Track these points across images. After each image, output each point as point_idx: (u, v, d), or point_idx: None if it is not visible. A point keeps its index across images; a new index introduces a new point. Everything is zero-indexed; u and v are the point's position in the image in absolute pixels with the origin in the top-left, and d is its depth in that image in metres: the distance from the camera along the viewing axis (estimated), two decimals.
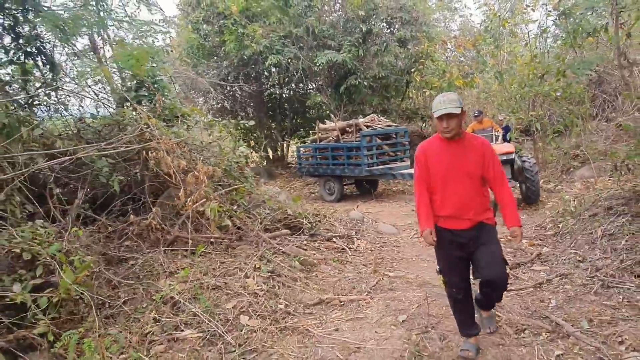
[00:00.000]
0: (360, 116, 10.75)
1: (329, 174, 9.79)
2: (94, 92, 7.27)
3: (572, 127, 10.38)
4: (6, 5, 5.46)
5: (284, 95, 16.66)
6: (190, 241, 5.50)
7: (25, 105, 5.79)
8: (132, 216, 5.44)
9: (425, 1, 14.64)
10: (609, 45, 10.85)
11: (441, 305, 3.93)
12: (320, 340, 3.58)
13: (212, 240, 5.48)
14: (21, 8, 5.44)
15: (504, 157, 7.37)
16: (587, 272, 4.05)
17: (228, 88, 14.73)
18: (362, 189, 10.58)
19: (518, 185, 7.91)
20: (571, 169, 9.33)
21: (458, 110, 2.75)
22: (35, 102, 6.07)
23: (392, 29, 13.21)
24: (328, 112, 17.35)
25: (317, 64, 11.98)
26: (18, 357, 2.99)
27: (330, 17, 13.78)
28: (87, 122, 6.46)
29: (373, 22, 12.77)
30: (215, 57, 15.19)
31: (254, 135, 16.31)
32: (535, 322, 3.37)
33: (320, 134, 9.72)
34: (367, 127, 8.96)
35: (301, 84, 15.93)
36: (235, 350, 3.43)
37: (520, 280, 4.33)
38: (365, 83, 12.66)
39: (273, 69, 14.07)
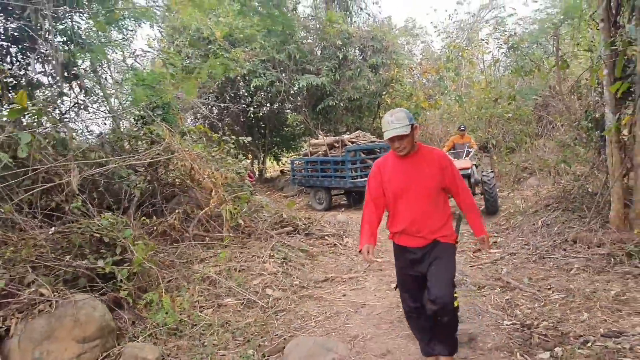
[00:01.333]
0: (347, 133, 11.91)
1: (319, 185, 10.69)
2: (109, 111, 8.20)
3: (522, 144, 11.97)
4: (49, 36, 6.39)
5: (260, 114, 17.76)
6: (207, 238, 6.55)
7: (60, 123, 6.67)
8: (154, 217, 6.36)
9: (390, 30, 16.19)
10: (552, 73, 12.63)
11: None
12: (333, 302, 4.69)
13: (229, 235, 6.50)
14: (64, 39, 6.40)
15: (462, 172, 8.34)
16: (530, 250, 5.35)
17: (208, 107, 15.69)
18: (351, 199, 11.39)
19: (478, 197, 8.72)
20: (521, 179, 10.84)
21: (407, 131, 2.66)
22: (66, 119, 6.96)
23: (364, 56, 14.63)
24: (303, 130, 18.58)
25: (299, 87, 13.20)
26: (113, 311, 3.94)
27: (309, 43, 15.09)
28: (105, 138, 7.38)
29: (348, 50, 14.16)
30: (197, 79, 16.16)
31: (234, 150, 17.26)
32: (492, 282, 4.61)
33: (311, 149, 10.78)
34: (352, 142, 10.06)
35: (276, 105, 17.11)
36: (269, 311, 4.47)
37: (481, 259, 5.58)
38: (342, 104, 13.96)
39: (253, 90, 15.15)
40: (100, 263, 4.20)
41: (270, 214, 7.96)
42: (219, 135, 8.77)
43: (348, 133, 11.43)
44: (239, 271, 5.40)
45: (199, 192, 7.21)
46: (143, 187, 6.29)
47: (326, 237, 7.53)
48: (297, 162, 11.64)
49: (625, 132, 4.72)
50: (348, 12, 18.00)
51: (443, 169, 2.79)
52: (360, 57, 14.58)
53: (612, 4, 4.42)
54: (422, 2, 43.01)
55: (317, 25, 15.18)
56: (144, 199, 6.65)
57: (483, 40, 13.46)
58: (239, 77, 14.36)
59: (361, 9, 18.72)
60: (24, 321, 3.41)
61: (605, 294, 3.79)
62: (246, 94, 15.71)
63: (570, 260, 4.72)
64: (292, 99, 15.39)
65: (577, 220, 5.51)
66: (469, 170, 8.36)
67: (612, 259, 4.43)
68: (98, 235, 4.44)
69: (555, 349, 3.04)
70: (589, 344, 3.01)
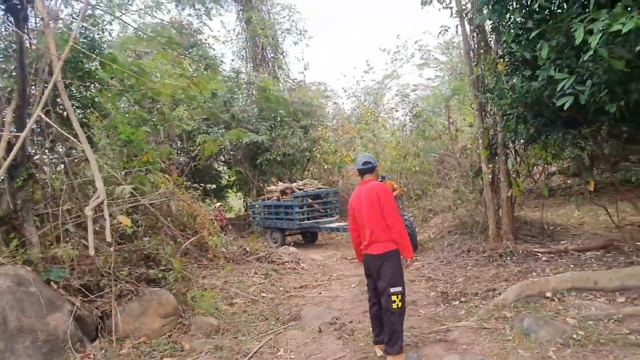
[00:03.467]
0: (291, 181, 13.92)
1: (273, 226, 12.26)
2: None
3: (426, 191, 14.96)
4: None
5: (198, 166, 19.29)
6: (195, 263, 8.15)
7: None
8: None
9: (316, 97, 19.02)
10: (447, 137, 16.00)
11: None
12: (314, 297, 6.63)
13: (213, 259, 8.17)
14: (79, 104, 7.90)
15: None
16: (440, 260, 7.79)
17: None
18: (306, 238, 13.05)
19: None
20: (428, 219, 13.67)
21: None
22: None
23: (296, 118, 17.13)
24: (232, 182, 20.28)
25: (243, 143, 15.23)
26: None
27: (246, 104, 17.32)
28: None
29: (282, 112, 16.58)
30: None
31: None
32: (419, 278, 6.90)
33: (267, 195, 12.62)
34: (300, 189, 12.04)
35: (212, 158, 18.80)
36: (271, 304, 6.29)
37: (409, 269, 7.89)
38: (278, 158, 16.15)
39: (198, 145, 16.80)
40: (152, 272, 5.80)
41: (236, 247, 9.70)
42: (189, 183, 10.44)
43: (298, 181, 13.50)
44: (237, 283, 7.14)
45: (174, 229, 8.77)
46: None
47: (286, 263, 9.40)
48: (256, 205, 13.15)
49: (489, 176, 7.42)
50: (276, 79, 20.68)
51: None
52: (293, 119, 17.05)
53: (481, 101, 7.22)
54: (333, 69, 47.95)
55: (254, 91, 17.53)
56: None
57: (393, 108, 16.82)
58: (184, 134, 16.02)
59: (288, 77, 21.58)
60: (121, 305, 4.95)
61: (487, 275, 6.24)
62: (191, 147, 17.30)
63: (467, 261, 7.21)
64: (232, 153, 17.26)
65: (469, 239, 8.11)
66: None
67: (491, 259, 6.97)
68: (146, 252, 6.03)
69: (461, 299, 5.34)
70: (478, 294, 5.35)
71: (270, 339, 4.82)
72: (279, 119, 16.21)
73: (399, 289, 3.78)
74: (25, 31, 4.85)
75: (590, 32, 3.46)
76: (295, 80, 21.45)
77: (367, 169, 4.03)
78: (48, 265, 5.02)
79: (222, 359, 4.31)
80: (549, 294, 4.59)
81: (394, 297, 3.75)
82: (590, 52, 3.48)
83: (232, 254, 8.82)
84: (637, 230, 7.05)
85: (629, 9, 3.42)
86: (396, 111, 16.70)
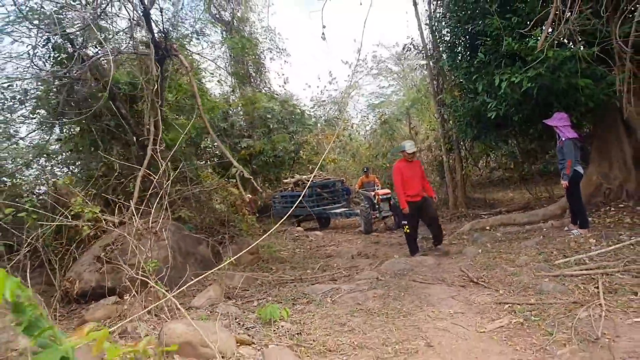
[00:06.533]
0: (295, 175, 16.83)
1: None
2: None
3: None
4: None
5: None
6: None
7: None
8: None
9: (299, 106, 22.00)
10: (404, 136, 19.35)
11: (371, 239, 10.30)
12: (334, 249, 9.59)
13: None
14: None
15: (384, 197, 11.39)
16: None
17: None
18: (321, 223, 14.28)
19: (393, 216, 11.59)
20: None
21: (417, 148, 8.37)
22: None
23: (284, 125, 20.03)
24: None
25: (242, 147, 18.01)
26: None
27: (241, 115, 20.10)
28: None
29: (271, 120, 19.49)
30: None
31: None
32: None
33: (284, 187, 15.27)
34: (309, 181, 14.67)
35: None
36: (307, 253, 9.22)
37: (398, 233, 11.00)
38: (270, 160, 18.99)
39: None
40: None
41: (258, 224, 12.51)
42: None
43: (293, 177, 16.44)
44: (276, 244, 10.02)
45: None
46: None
47: (298, 236, 12.33)
48: (276, 196, 15.27)
49: (450, 163, 10.72)
50: (259, 91, 23.52)
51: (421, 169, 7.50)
52: (282, 126, 19.96)
53: (442, 112, 10.50)
54: (299, 80, 51.20)
55: (242, 102, 20.35)
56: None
57: (365, 117, 20.12)
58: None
59: (269, 88, 24.47)
60: (225, 247, 7.74)
61: (450, 227, 9.45)
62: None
63: None
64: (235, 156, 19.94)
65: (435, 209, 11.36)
66: (389, 195, 11.46)
67: (452, 219, 10.23)
68: (223, 218, 8.81)
69: None
70: (446, 235, 8.53)
71: (322, 263, 7.77)
72: (270, 126, 19.09)
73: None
74: (162, 71, 7.61)
75: (502, 80, 6.72)
76: (276, 93, 24.38)
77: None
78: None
79: (299, 271, 7.22)
80: (488, 227, 7.85)
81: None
82: (502, 90, 6.73)
83: (263, 227, 11.65)
84: (545, 200, 10.54)
85: (521, 67, 6.70)
86: (367, 118, 20.02)
